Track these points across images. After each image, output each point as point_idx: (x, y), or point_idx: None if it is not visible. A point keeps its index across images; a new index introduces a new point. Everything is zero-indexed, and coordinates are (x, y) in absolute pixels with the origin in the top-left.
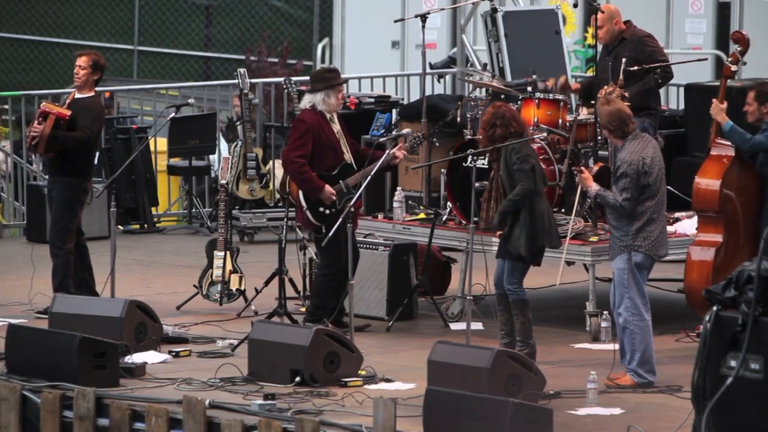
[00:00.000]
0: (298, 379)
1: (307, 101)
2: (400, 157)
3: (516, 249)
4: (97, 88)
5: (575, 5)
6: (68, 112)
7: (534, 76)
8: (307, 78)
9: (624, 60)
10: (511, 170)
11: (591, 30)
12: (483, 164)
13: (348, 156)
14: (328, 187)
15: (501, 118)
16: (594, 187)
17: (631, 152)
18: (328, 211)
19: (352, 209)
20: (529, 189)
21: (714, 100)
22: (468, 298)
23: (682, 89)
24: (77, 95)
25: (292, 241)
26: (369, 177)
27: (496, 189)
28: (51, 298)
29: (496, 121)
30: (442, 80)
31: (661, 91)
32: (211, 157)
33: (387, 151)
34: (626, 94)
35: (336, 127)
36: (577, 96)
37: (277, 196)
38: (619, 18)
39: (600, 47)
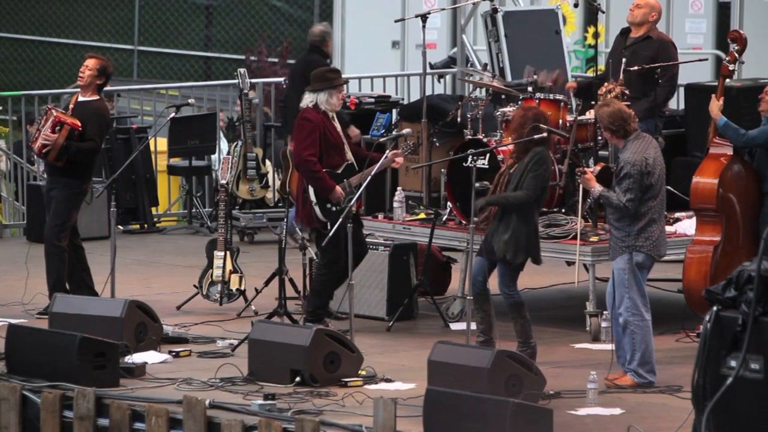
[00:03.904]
0: (298, 379)
1: (308, 100)
2: (400, 162)
3: (512, 255)
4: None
5: (575, 5)
6: (79, 123)
7: (534, 76)
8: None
9: (624, 60)
10: (527, 172)
11: (591, 30)
12: (483, 164)
13: (350, 155)
14: (338, 187)
15: (543, 120)
16: (597, 187)
17: (634, 152)
18: (334, 208)
19: (353, 209)
20: (530, 200)
21: (713, 96)
22: (468, 298)
23: (682, 89)
24: (80, 98)
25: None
26: (368, 178)
27: (501, 187)
28: (50, 298)
29: (539, 119)
30: (442, 80)
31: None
32: (212, 157)
33: (386, 154)
34: (627, 92)
35: (338, 126)
36: (572, 93)
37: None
38: (657, 14)
39: (602, 46)
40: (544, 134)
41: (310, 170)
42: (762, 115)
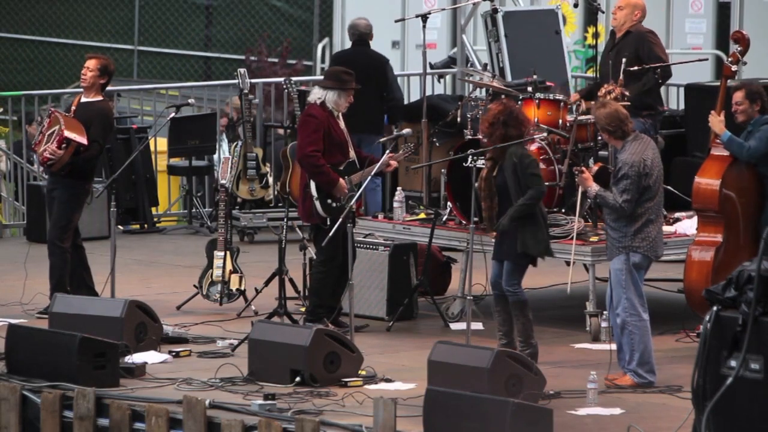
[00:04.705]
0: (298, 379)
1: (316, 96)
2: (394, 166)
3: (535, 248)
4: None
5: (575, 5)
6: (85, 139)
7: (534, 76)
8: (308, 78)
9: (624, 60)
10: (522, 174)
11: (591, 30)
12: (483, 164)
13: (353, 154)
14: (342, 181)
15: (514, 119)
16: (594, 187)
17: (633, 153)
18: (334, 204)
19: (354, 208)
20: (543, 191)
21: (712, 112)
22: (468, 298)
23: (682, 89)
24: (83, 99)
25: (293, 241)
26: (368, 179)
27: (489, 188)
28: (51, 298)
29: (509, 121)
30: (442, 80)
31: (661, 91)
32: (214, 157)
33: (383, 157)
34: (626, 93)
35: (342, 124)
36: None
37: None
38: (641, 13)
39: (602, 46)
40: (544, 134)
41: (313, 165)
42: (739, 120)
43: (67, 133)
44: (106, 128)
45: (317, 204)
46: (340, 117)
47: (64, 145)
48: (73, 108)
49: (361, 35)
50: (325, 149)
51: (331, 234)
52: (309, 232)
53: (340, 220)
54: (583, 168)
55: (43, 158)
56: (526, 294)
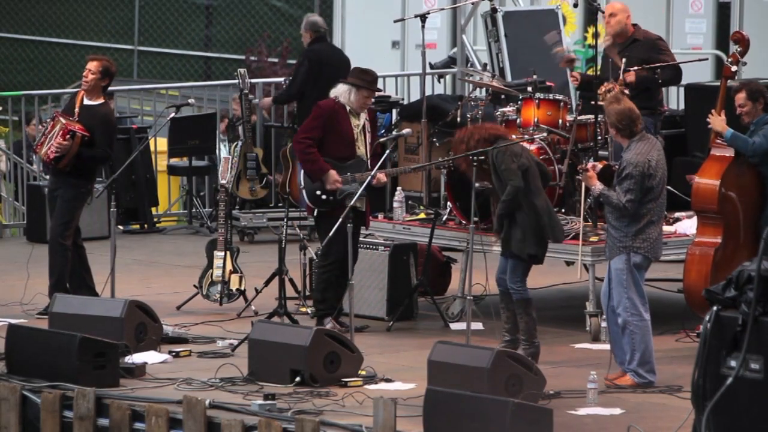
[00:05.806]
0: (298, 379)
1: (333, 91)
2: (383, 180)
3: (522, 251)
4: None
5: (575, 5)
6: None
7: (534, 76)
8: None
9: (624, 60)
10: (499, 171)
11: (591, 30)
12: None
13: (363, 151)
14: (333, 172)
15: (470, 135)
16: (598, 186)
17: (638, 153)
18: (324, 196)
19: (362, 209)
20: (519, 186)
21: (712, 111)
22: (468, 298)
23: (682, 89)
24: (86, 101)
25: (293, 241)
26: (367, 180)
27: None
28: (50, 297)
29: (468, 141)
30: (442, 80)
31: (661, 91)
32: (216, 156)
33: (386, 153)
34: (627, 92)
35: (356, 121)
36: (575, 87)
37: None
38: (630, 14)
39: (602, 46)
40: (544, 134)
41: (302, 151)
42: (745, 122)
43: (70, 125)
44: (111, 135)
45: (303, 193)
46: (359, 116)
47: (69, 136)
48: (77, 111)
49: (324, 32)
50: (327, 141)
51: (331, 234)
52: (309, 232)
53: (340, 221)
54: (588, 166)
55: (51, 154)
56: (530, 292)
